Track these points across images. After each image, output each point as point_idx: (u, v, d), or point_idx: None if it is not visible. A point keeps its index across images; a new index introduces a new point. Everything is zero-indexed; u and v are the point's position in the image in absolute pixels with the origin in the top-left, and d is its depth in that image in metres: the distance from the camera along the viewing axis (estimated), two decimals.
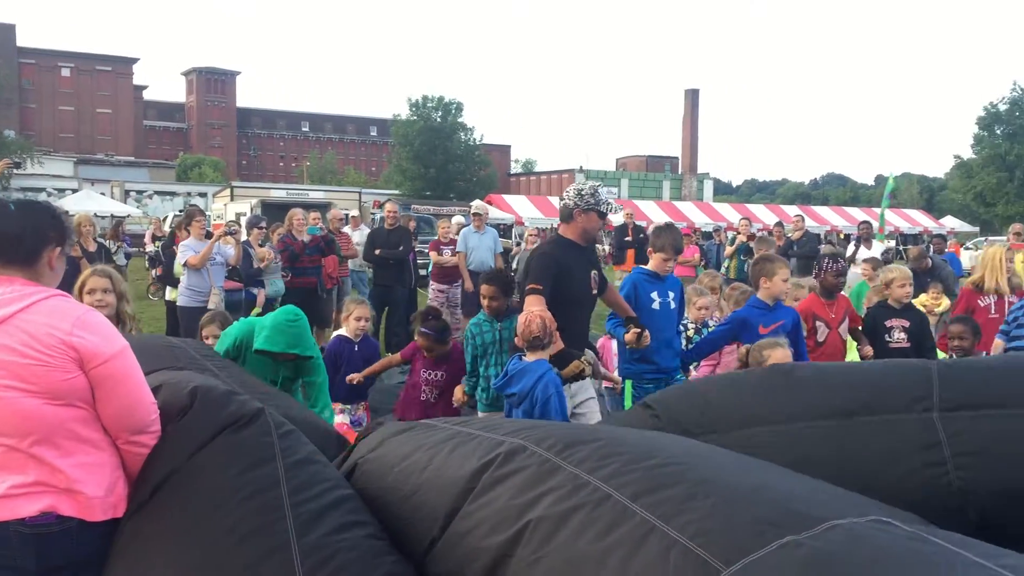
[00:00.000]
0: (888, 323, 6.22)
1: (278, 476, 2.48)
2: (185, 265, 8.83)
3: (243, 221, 19.26)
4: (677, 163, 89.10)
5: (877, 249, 12.90)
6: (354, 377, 6.18)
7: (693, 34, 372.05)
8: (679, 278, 6.00)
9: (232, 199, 28.10)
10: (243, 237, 10.33)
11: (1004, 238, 16.97)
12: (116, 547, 2.50)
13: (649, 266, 5.72)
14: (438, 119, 64.71)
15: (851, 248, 13.28)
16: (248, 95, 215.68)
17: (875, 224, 19.83)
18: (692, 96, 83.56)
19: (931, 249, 13.23)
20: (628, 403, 5.46)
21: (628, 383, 5.56)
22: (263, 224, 11.01)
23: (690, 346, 6.29)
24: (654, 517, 2.00)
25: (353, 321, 6.44)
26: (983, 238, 39.82)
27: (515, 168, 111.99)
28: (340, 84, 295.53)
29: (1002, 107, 58.38)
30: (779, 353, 4.57)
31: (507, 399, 4.39)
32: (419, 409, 5.87)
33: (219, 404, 2.70)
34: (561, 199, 5.20)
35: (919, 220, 51.29)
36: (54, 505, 2.44)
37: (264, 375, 4.75)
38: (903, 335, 6.15)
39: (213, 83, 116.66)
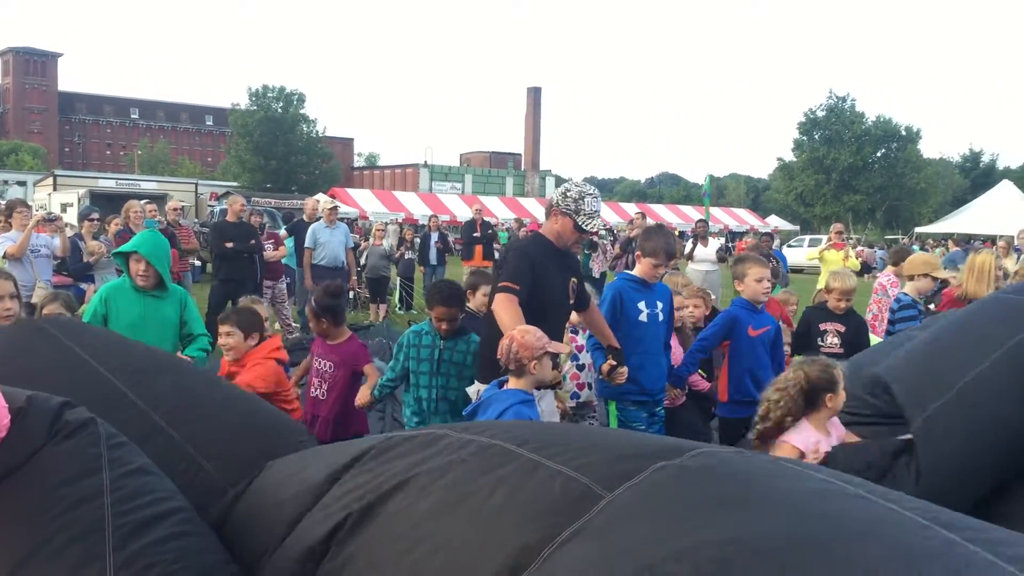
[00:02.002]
0: (822, 326, 6.04)
1: (102, 487, 2.39)
2: (5, 257, 8.26)
3: (71, 212, 18.16)
4: (520, 160, 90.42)
5: (713, 246, 13.52)
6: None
7: (536, 32, 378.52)
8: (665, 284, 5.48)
9: (55, 188, 26.48)
10: (72, 228, 9.73)
11: (826, 237, 18.18)
12: None
13: (636, 272, 5.16)
14: (279, 110, 63.15)
15: (688, 246, 13.87)
16: (71, 78, 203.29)
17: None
18: (534, 94, 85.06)
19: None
20: (613, 424, 5.05)
21: (612, 405, 5.04)
22: (95, 216, 10.40)
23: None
24: (539, 456, 2.14)
25: None
26: (804, 236, 42.41)
27: (358, 162, 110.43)
28: (173, 70, 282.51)
29: (820, 113, 62.55)
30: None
31: None
32: (311, 406, 5.26)
33: (47, 414, 2.57)
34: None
35: (746, 219, 54.21)
36: None
37: (155, 338, 4.63)
38: (836, 340, 5.99)
39: (32, 64, 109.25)
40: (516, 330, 3.70)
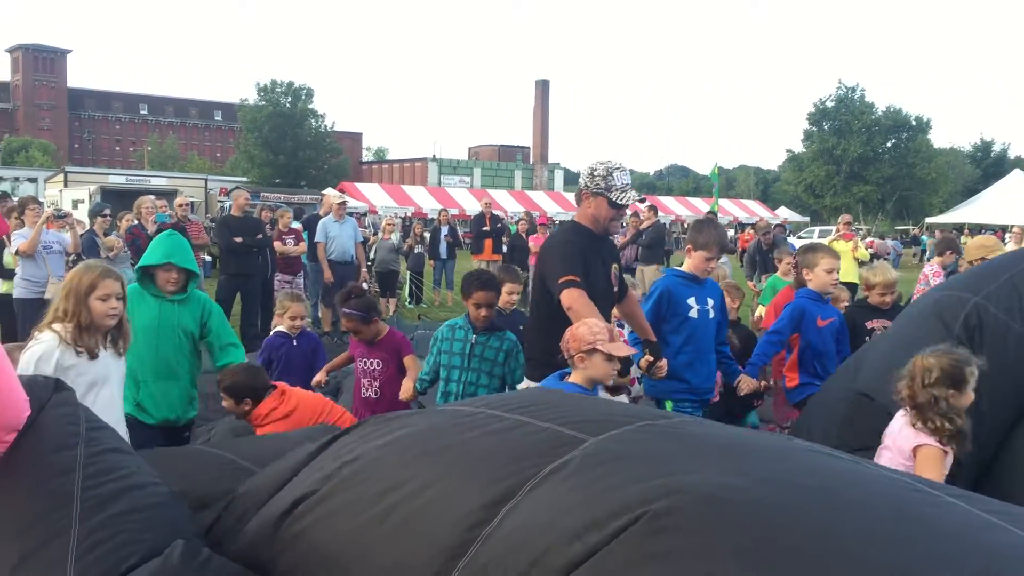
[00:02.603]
0: (869, 324, 5.62)
1: (75, 462, 2.47)
2: (17, 254, 8.33)
3: (82, 208, 18.28)
4: (529, 153, 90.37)
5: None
6: (319, 379, 5.59)
7: (544, 26, 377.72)
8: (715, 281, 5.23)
9: (66, 185, 26.63)
10: (86, 225, 9.81)
11: (835, 228, 18.13)
12: None
13: (685, 267, 4.91)
14: (287, 105, 63.18)
15: None
16: (80, 75, 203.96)
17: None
18: (543, 87, 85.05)
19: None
20: None
21: (669, 404, 4.75)
22: (107, 212, 10.48)
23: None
24: (526, 417, 2.28)
25: (288, 320, 5.99)
26: (814, 228, 42.28)
27: (367, 156, 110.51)
28: (182, 66, 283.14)
29: (830, 104, 62.25)
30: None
31: None
32: (364, 408, 5.17)
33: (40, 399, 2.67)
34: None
35: (755, 210, 54.05)
36: None
37: (169, 346, 4.63)
38: None
39: (41, 61, 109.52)
40: (575, 324, 3.55)
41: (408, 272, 16.54)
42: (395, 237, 15.32)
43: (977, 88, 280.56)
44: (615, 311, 4.66)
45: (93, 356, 3.66)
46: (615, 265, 4.43)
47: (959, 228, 41.86)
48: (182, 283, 4.74)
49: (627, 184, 4.23)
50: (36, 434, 2.52)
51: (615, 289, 4.42)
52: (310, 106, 64.72)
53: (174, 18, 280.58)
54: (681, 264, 5.07)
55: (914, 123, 61.86)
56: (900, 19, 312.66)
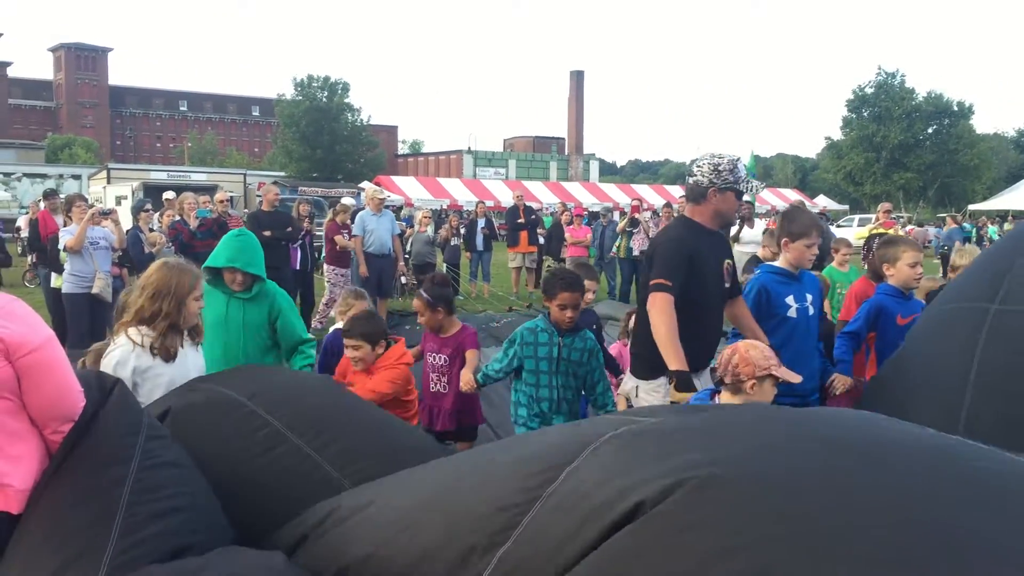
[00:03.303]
0: None
1: (127, 476, 2.49)
2: (64, 250, 8.55)
3: (125, 205, 18.61)
4: (564, 144, 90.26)
5: (759, 227, 13.44)
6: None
7: (578, 16, 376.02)
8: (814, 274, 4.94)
9: (109, 181, 27.07)
10: (129, 221, 10.04)
11: (874, 216, 17.93)
12: None
13: (780, 262, 4.63)
14: (324, 99, 63.69)
15: (735, 228, 13.79)
16: (121, 73, 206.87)
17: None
18: (577, 77, 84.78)
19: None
20: None
21: None
22: (149, 207, 10.70)
23: None
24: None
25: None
26: (854, 216, 41.76)
27: (402, 149, 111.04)
28: (220, 62, 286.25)
29: (869, 90, 61.30)
30: None
31: None
32: (433, 401, 5.19)
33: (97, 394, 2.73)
34: (690, 175, 4.31)
35: (793, 199, 53.33)
36: None
37: (237, 342, 4.68)
38: None
39: (83, 60, 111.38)
40: (742, 343, 3.38)
41: (444, 264, 16.66)
42: (430, 230, 15.45)
43: (1022, 72, 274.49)
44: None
45: (171, 358, 3.64)
46: (728, 261, 4.31)
47: (1003, 215, 41.15)
48: (248, 284, 4.79)
49: (746, 174, 4.20)
50: (95, 437, 2.56)
51: (727, 285, 4.27)
52: (346, 100, 65.17)
53: (212, 15, 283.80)
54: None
55: (956, 108, 60.74)
56: (941, 2, 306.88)
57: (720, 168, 4.11)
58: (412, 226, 17.43)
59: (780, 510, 1.73)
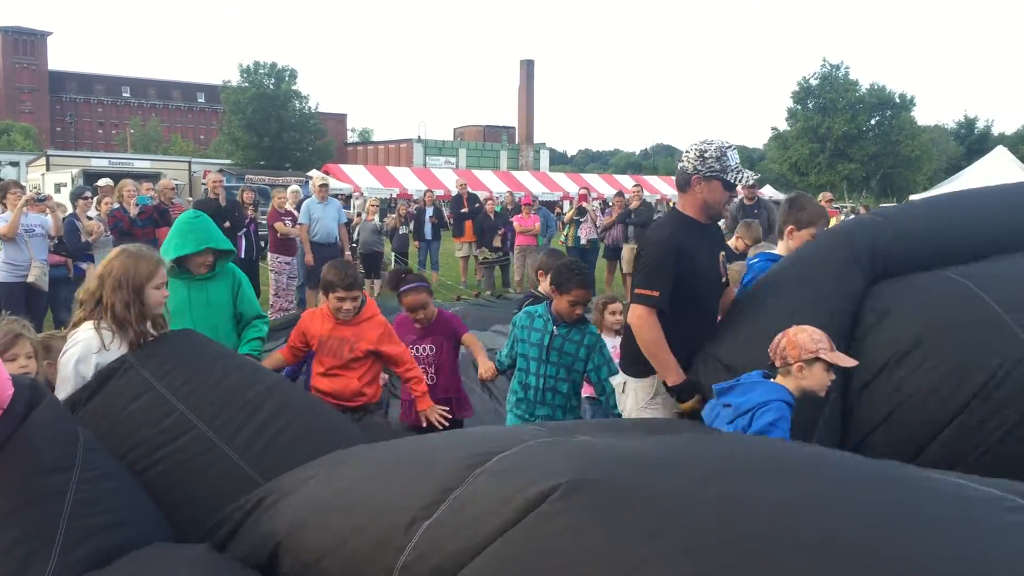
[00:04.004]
0: None
1: (68, 486, 2.45)
2: None
3: (65, 192, 18.19)
4: (514, 133, 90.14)
5: None
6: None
7: (529, 5, 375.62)
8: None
9: (48, 168, 26.41)
10: (67, 208, 9.80)
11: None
12: None
13: (780, 250, 4.45)
14: (271, 86, 62.81)
15: None
16: (61, 57, 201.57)
17: None
18: (528, 67, 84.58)
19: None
20: None
21: None
22: (88, 194, 10.45)
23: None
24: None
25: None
26: None
27: (352, 137, 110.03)
28: (164, 47, 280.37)
29: (814, 82, 62.27)
30: None
31: (720, 405, 3.32)
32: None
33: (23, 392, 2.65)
34: (678, 162, 4.05)
35: (739, 188, 54.08)
36: None
37: (205, 327, 4.31)
38: None
39: (21, 44, 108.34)
40: (793, 328, 3.24)
41: (393, 253, 16.56)
42: (378, 218, 15.34)
43: (961, 65, 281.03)
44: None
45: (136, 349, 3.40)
46: (722, 252, 4.08)
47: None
48: (212, 264, 4.66)
49: (738, 161, 3.90)
50: (31, 447, 2.49)
51: (723, 279, 4.07)
52: (294, 87, 64.35)
53: None
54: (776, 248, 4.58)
55: (898, 100, 61.98)
56: None
57: (706, 155, 3.83)
58: (360, 215, 17.32)
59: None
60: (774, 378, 3.27)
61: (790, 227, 4.37)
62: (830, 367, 3.18)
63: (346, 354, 4.40)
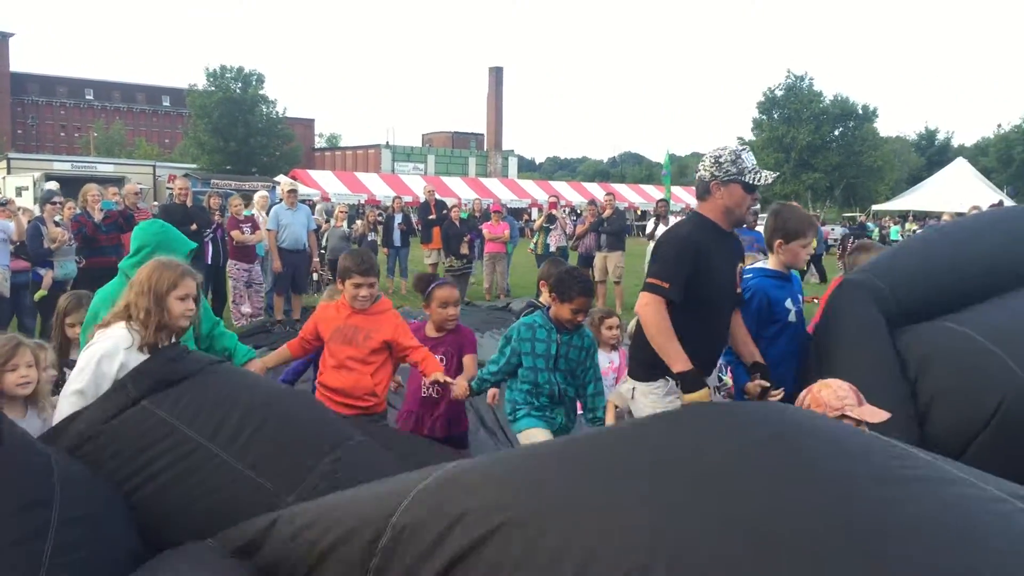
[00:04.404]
0: None
1: (49, 525, 2.40)
2: None
3: (26, 195, 17.94)
4: (483, 140, 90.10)
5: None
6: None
7: (498, 12, 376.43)
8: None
9: (10, 172, 26.04)
10: (33, 213, 9.64)
11: None
12: None
13: (773, 264, 4.37)
14: (238, 91, 62.17)
15: (650, 225, 14.03)
16: (23, 59, 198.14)
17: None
18: (496, 74, 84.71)
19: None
20: None
21: None
22: (57, 199, 10.29)
23: None
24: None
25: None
26: (764, 214, 42.80)
27: (319, 143, 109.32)
28: (128, 50, 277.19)
29: (779, 93, 62.93)
30: None
31: None
32: (423, 408, 4.79)
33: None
34: (695, 170, 4.03)
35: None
36: None
37: None
38: None
39: None
40: (816, 383, 3.16)
41: None
42: (347, 224, 15.29)
43: (923, 78, 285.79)
44: None
45: None
46: (740, 264, 4.04)
47: (904, 215, 42.79)
48: None
49: (755, 163, 3.88)
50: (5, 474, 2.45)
51: (739, 291, 4.03)
52: (261, 92, 63.76)
53: (121, 1, 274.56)
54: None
55: (861, 112, 62.79)
56: (849, 8, 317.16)
57: (721, 160, 3.82)
58: (328, 221, 17.22)
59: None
60: None
61: (778, 240, 4.30)
62: (858, 423, 3.01)
63: (361, 341, 4.40)
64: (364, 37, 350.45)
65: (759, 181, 3.81)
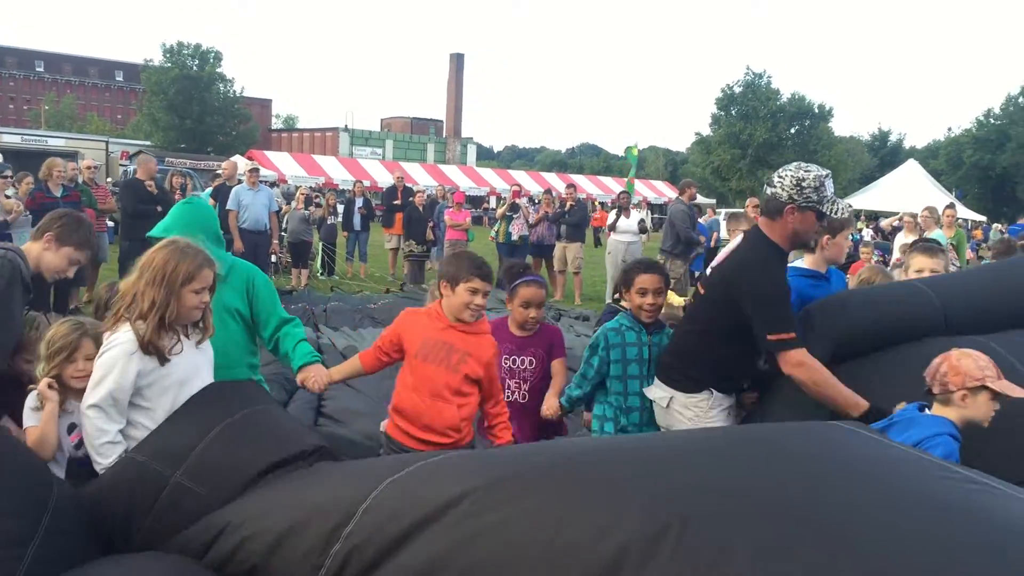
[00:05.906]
0: None
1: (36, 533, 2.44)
2: None
3: None
4: (442, 126, 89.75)
5: (635, 217, 13.80)
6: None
7: None
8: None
9: None
10: None
11: (743, 210, 18.64)
12: None
13: (809, 263, 4.23)
14: (195, 68, 61.26)
15: (611, 217, 14.13)
16: None
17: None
18: (457, 60, 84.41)
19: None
20: None
21: None
22: (8, 173, 10.08)
23: None
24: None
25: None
26: (721, 210, 43.32)
27: (276, 124, 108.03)
28: (81, 22, 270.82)
29: (737, 89, 63.60)
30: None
31: None
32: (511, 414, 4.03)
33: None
34: (767, 184, 3.74)
35: (664, 191, 55.00)
36: None
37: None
38: None
39: None
40: (954, 351, 3.02)
41: (321, 243, 16.41)
42: (304, 207, 15.21)
43: (878, 79, 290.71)
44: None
45: (165, 360, 3.10)
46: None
47: (856, 215, 43.58)
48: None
49: (835, 192, 3.67)
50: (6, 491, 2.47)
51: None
52: (218, 70, 62.91)
53: None
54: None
55: (816, 111, 63.72)
56: (808, 6, 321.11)
57: (804, 185, 3.56)
58: (289, 203, 17.10)
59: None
60: (930, 408, 3.02)
61: (825, 236, 4.14)
62: (995, 396, 2.93)
63: (454, 363, 3.55)
64: (324, 17, 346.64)
65: (836, 213, 3.65)
